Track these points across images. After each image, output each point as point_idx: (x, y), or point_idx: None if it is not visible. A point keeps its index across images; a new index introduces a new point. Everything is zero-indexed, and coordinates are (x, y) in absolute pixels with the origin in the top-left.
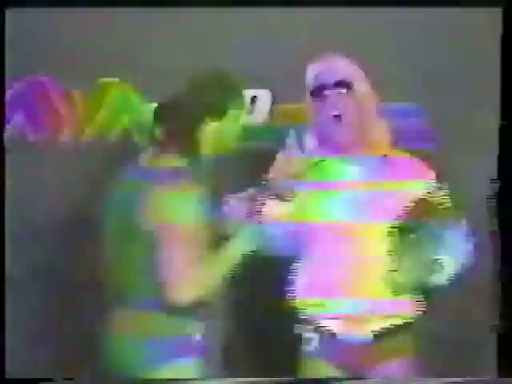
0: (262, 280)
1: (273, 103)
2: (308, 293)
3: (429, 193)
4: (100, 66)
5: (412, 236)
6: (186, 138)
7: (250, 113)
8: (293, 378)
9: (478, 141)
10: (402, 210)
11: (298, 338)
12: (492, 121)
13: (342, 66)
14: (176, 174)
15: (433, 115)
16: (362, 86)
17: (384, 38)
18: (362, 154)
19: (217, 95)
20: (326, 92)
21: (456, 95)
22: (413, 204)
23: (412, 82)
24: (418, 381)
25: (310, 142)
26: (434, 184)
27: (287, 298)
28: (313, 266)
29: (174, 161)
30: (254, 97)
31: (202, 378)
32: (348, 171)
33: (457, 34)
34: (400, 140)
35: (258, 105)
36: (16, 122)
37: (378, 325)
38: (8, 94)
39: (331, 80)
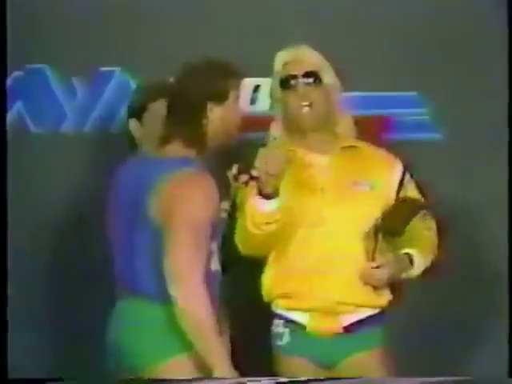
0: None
1: None
2: (279, 286)
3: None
4: (101, 53)
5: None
6: (191, 125)
7: (253, 102)
8: (293, 378)
9: (486, 130)
10: (376, 205)
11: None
12: (500, 109)
13: (309, 57)
14: (183, 162)
15: (437, 104)
16: (329, 78)
17: (383, 26)
18: (330, 143)
19: (217, 79)
20: (293, 82)
21: (460, 83)
22: (387, 201)
23: (413, 71)
24: (396, 381)
25: (276, 130)
26: (402, 175)
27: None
28: (285, 258)
29: (180, 150)
30: (258, 86)
31: (202, 378)
32: (318, 161)
33: (462, 23)
34: (401, 130)
35: (260, 94)
36: (16, 110)
37: (349, 318)
38: (8, 81)
39: (301, 70)
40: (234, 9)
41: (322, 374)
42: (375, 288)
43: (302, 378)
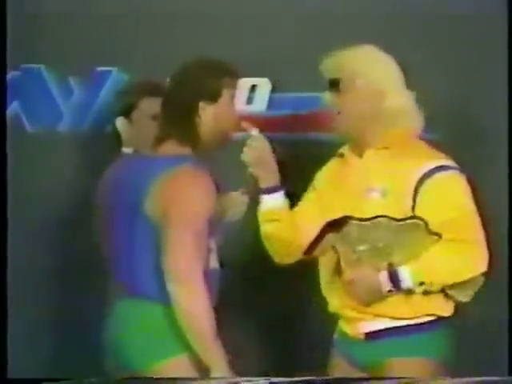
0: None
1: (272, 92)
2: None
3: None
4: (97, 53)
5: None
6: (184, 124)
7: (250, 102)
8: (292, 379)
9: (485, 130)
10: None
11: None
12: (500, 109)
13: (339, 62)
14: (179, 159)
15: (435, 104)
16: (366, 81)
17: (381, 26)
18: (367, 146)
19: (208, 78)
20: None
21: (459, 83)
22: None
23: (412, 70)
24: (427, 381)
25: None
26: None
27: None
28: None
29: (174, 148)
30: (254, 85)
31: (202, 378)
32: (354, 164)
33: (461, 20)
34: None
35: (257, 93)
36: (13, 110)
37: (370, 325)
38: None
39: (328, 78)
40: (233, 9)
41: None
42: (407, 298)
43: (302, 378)
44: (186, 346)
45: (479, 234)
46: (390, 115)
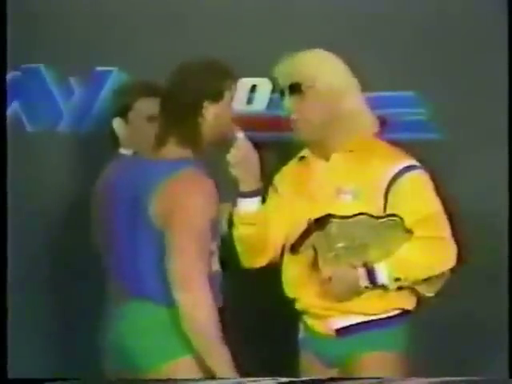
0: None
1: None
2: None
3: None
4: (98, 53)
5: None
6: (186, 124)
7: (250, 102)
8: (293, 379)
9: (485, 130)
10: None
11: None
12: (500, 109)
13: (297, 66)
14: (182, 163)
15: (434, 104)
16: (327, 83)
17: (382, 26)
18: (332, 149)
19: (213, 78)
20: (282, 96)
21: (458, 83)
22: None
23: (410, 70)
24: (414, 380)
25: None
26: (391, 181)
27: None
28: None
29: (176, 151)
30: (254, 85)
31: (207, 379)
32: (319, 167)
33: (460, 20)
34: (399, 130)
35: (257, 93)
36: (13, 110)
37: (339, 322)
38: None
39: (286, 84)
40: (232, 9)
41: (327, 373)
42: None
43: (304, 378)
44: (191, 348)
45: (447, 231)
46: (349, 117)
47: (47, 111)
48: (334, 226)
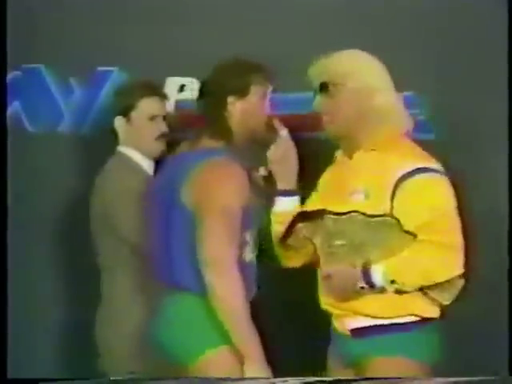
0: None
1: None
2: None
3: None
4: (98, 53)
5: None
6: (215, 119)
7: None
8: (320, 378)
9: (485, 130)
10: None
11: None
12: (500, 109)
13: (327, 66)
14: (214, 152)
15: (433, 104)
16: (358, 82)
17: (380, 26)
18: (357, 148)
19: (237, 74)
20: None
21: (458, 83)
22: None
23: (410, 70)
24: (434, 380)
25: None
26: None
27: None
28: None
29: (209, 142)
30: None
31: (239, 378)
32: (346, 166)
33: (460, 20)
34: None
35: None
36: (13, 110)
37: (354, 322)
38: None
39: (317, 83)
40: (232, 8)
41: (343, 373)
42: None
43: (330, 378)
44: (227, 338)
45: (455, 237)
46: (379, 114)
47: (47, 111)
48: (329, 222)
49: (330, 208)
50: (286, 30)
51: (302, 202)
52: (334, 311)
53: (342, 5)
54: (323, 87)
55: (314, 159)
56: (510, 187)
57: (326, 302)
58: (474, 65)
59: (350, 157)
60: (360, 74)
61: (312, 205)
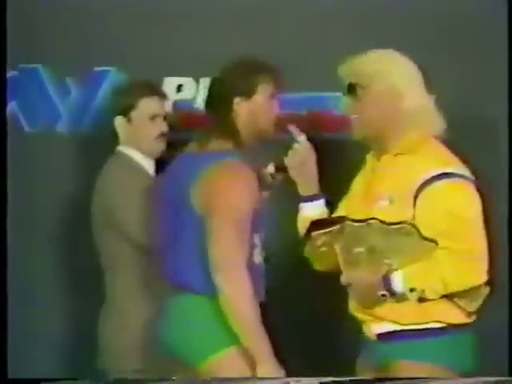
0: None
1: None
2: None
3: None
4: (95, 53)
5: None
6: (222, 120)
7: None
8: (336, 378)
9: (485, 130)
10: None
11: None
12: (500, 109)
13: (354, 67)
14: (224, 154)
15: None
16: (384, 84)
17: (380, 26)
18: (385, 151)
19: (242, 74)
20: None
21: (458, 83)
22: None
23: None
24: (460, 380)
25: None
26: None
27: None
28: None
29: (217, 143)
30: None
31: (253, 378)
32: (374, 169)
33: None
34: None
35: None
36: (10, 110)
37: (380, 327)
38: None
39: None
40: (232, 8)
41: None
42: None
43: (345, 378)
44: (236, 338)
45: (478, 245)
46: (407, 117)
47: (45, 111)
48: (349, 229)
49: (352, 214)
50: (285, 30)
51: (334, 206)
52: (361, 316)
53: (347, 5)
54: (351, 88)
55: (345, 161)
56: (510, 186)
57: (352, 307)
58: (474, 65)
59: (379, 160)
60: (387, 76)
61: (342, 209)
